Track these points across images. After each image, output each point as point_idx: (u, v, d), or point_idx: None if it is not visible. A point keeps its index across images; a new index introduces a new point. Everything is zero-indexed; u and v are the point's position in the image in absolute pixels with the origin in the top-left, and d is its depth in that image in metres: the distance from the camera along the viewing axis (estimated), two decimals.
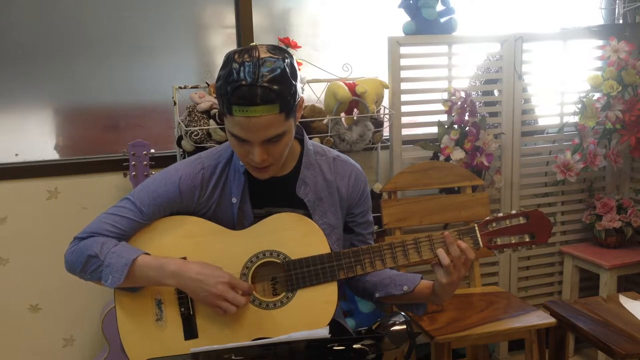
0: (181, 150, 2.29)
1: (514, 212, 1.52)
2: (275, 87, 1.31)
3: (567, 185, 2.83)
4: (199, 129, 2.18)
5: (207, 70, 2.38)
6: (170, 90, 2.32)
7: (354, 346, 1.39)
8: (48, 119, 2.45)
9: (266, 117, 1.33)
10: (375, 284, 1.62)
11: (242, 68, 1.32)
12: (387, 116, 2.50)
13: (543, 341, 2.16)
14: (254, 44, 1.41)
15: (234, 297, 1.41)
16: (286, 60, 1.36)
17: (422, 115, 2.64)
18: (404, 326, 1.43)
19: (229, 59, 1.36)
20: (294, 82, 1.36)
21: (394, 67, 2.49)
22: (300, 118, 2.28)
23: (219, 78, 1.37)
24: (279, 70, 1.32)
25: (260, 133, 1.35)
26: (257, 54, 1.33)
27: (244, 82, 1.30)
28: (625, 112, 2.62)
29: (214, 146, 1.71)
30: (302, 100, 1.47)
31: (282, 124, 1.36)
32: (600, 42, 2.71)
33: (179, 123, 2.24)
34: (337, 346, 1.38)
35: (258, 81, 1.30)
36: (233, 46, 2.56)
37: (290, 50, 2.21)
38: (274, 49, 1.37)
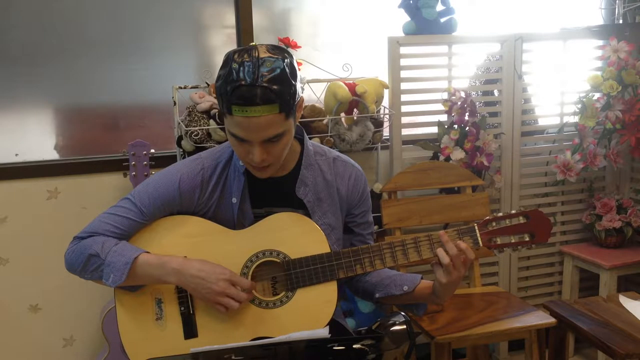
0: (181, 150, 2.29)
1: (513, 211, 1.52)
2: (274, 87, 1.31)
3: (567, 185, 2.83)
4: (199, 129, 2.18)
5: (207, 70, 2.38)
6: (170, 90, 2.32)
7: (354, 346, 1.39)
8: (48, 119, 2.45)
9: (266, 117, 1.33)
10: (375, 284, 1.62)
11: (241, 68, 1.32)
12: (387, 116, 2.50)
13: (543, 341, 2.16)
14: (253, 43, 1.41)
15: (235, 294, 1.42)
16: (286, 60, 1.35)
17: (422, 115, 2.64)
18: (404, 326, 1.43)
19: (229, 58, 1.36)
20: (293, 82, 1.36)
21: (394, 67, 2.49)
22: (300, 118, 2.29)
23: (218, 78, 1.37)
24: (278, 70, 1.32)
25: (259, 133, 1.35)
26: (256, 54, 1.33)
27: (243, 82, 1.30)
28: (625, 112, 2.62)
29: (214, 146, 1.71)
30: (302, 100, 1.47)
31: (281, 124, 1.36)
32: (600, 42, 2.71)
33: (179, 123, 2.24)
34: (337, 346, 1.38)
35: (257, 81, 1.30)
36: (233, 46, 2.56)
37: (290, 50, 2.21)
38: (273, 48, 1.37)
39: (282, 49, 1.39)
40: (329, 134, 2.35)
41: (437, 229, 2.28)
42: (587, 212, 2.82)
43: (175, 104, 2.30)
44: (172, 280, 1.44)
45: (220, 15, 2.57)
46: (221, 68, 1.37)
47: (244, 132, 1.36)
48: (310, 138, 1.69)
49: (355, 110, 2.42)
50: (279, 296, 1.49)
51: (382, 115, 2.48)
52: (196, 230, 1.51)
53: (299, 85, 1.39)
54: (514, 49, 2.62)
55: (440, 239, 1.47)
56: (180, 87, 2.31)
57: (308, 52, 2.59)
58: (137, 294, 1.49)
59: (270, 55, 1.34)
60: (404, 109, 2.55)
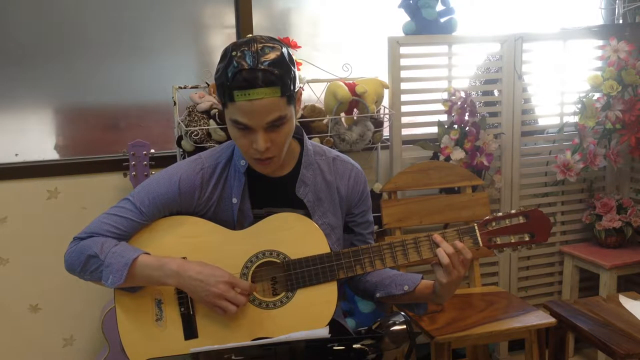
0: (181, 150, 2.29)
1: (513, 211, 1.52)
2: (276, 70, 1.33)
3: (567, 185, 2.83)
4: (199, 129, 2.18)
5: (207, 70, 2.38)
6: (170, 90, 2.32)
7: (354, 346, 1.39)
8: (48, 119, 2.45)
9: (268, 100, 1.34)
10: (376, 283, 1.62)
11: (242, 55, 1.34)
12: (387, 116, 2.50)
13: (543, 341, 2.16)
14: (250, 35, 1.43)
15: (234, 297, 1.41)
16: (283, 48, 1.39)
17: (422, 115, 2.64)
18: (404, 326, 1.43)
19: (227, 51, 1.38)
20: (292, 68, 1.38)
21: (394, 67, 2.49)
22: (300, 118, 2.29)
23: (217, 71, 1.38)
24: (278, 56, 1.35)
25: (262, 117, 1.35)
26: (255, 43, 1.35)
27: (245, 66, 1.32)
28: (625, 112, 2.62)
29: (214, 146, 1.71)
30: (300, 93, 1.49)
31: (283, 107, 1.37)
32: (600, 42, 2.71)
33: (179, 123, 2.24)
34: (337, 346, 1.38)
35: (258, 65, 1.32)
36: None
37: (290, 50, 2.20)
38: (270, 39, 1.40)
39: (278, 40, 1.42)
40: (329, 134, 2.35)
41: (437, 229, 2.29)
42: (587, 212, 2.82)
43: (175, 104, 2.31)
44: (171, 282, 1.44)
45: (220, 15, 2.57)
46: (220, 62, 1.39)
47: (247, 118, 1.36)
48: (310, 138, 1.69)
49: (355, 110, 2.42)
50: (279, 297, 1.48)
51: (382, 115, 2.48)
52: (196, 230, 1.51)
53: (297, 73, 1.41)
54: (514, 49, 2.62)
55: (435, 240, 1.48)
56: (180, 87, 2.31)
57: (308, 52, 2.59)
58: (136, 294, 1.49)
59: (268, 44, 1.37)
60: (404, 109, 2.55)
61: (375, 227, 2.32)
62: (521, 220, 1.51)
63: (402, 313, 1.48)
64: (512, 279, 2.80)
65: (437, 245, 1.47)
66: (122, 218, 1.48)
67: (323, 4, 2.67)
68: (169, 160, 2.25)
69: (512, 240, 1.51)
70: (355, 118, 2.40)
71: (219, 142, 2.16)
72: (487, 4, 2.84)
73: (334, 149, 1.72)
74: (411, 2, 2.48)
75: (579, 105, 2.69)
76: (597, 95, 2.67)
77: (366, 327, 1.52)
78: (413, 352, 1.45)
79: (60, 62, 2.39)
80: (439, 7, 2.50)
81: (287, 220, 1.50)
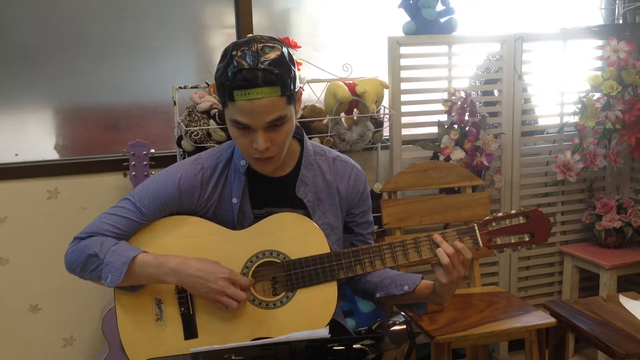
0: (181, 150, 2.29)
1: (513, 211, 1.52)
2: (276, 70, 1.34)
3: (567, 185, 2.83)
4: (199, 129, 2.18)
5: (207, 70, 2.38)
6: (170, 90, 2.32)
7: (354, 346, 1.39)
8: (48, 119, 2.45)
9: (268, 100, 1.34)
10: (376, 284, 1.62)
11: (242, 55, 1.34)
12: (387, 116, 2.50)
13: (543, 341, 2.16)
14: (250, 35, 1.43)
15: (234, 292, 1.41)
16: (283, 48, 1.39)
17: (422, 115, 2.64)
18: (404, 326, 1.44)
19: (228, 50, 1.38)
20: (293, 68, 1.39)
21: (394, 67, 2.49)
22: (300, 118, 2.30)
23: (217, 70, 1.39)
24: (278, 55, 1.35)
25: (262, 116, 1.36)
26: (255, 43, 1.36)
27: (245, 66, 1.32)
28: (625, 112, 2.62)
29: (214, 146, 1.71)
30: (301, 93, 1.49)
31: (283, 107, 1.37)
32: (600, 42, 2.71)
33: (179, 123, 2.24)
34: (337, 346, 1.38)
35: (259, 65, 1.32)
36: None
37: (290, 50, 2.21)
38: (270, 38, 1.41)
39: (278, 40, 1.42)
40: (329, 134, 2.35)
41: (437, 229, 2.29)
42: (587, 212, 2.82)
43: (175, 104, 2.31)
44: (171, 280, 1.44)
45: (220, 15, 2.57)
46: (220, 61, 1.39)
47: (247, 117, 1.36)
48: (310, 138, 1.69)
49: (355, 110, 2.42)
50: (279, 297, 1.49)
51: (382, 115, 2.48)
52: (196, 230, 1.51)
53: (297, 73, 1.41)
54: (514, 49, 2.62)
55: (435, 240, 1.48)
56: (180, 87, 2.31)
57: (308, 52, 2.59)
58: (136, 294, 1.49)
59: (269, 44, 1.37)
60: (404, 109, 2.55)
61: (375, 227, 2.32)
62: (521, 220, 1.51)
63: (402, 313, 1.48)
64: (512, 279, 2.80)
65: (437, 246, 1.47)
66: (122, 218, 1.48)
67: (323, 4, 2.67)
68: (169, 160, 2.26)
69: (512, 241, 1.51)
70: (355, 118, 2.40)
71: (219, 142, 2.16)
72: (487, 4, 2.84)
73: (334, 149, 1.72)
74: (411, 2, 2.48)
75: (579, 105, 2.69)
76: (597, 95, 2.67)
77: (366, 327, 1.52)
78: (413, 352, 1.45)
79: (60, 62, 2.39)
80: (439, 7, 2.50)
81: (287, 220, 1.50)
